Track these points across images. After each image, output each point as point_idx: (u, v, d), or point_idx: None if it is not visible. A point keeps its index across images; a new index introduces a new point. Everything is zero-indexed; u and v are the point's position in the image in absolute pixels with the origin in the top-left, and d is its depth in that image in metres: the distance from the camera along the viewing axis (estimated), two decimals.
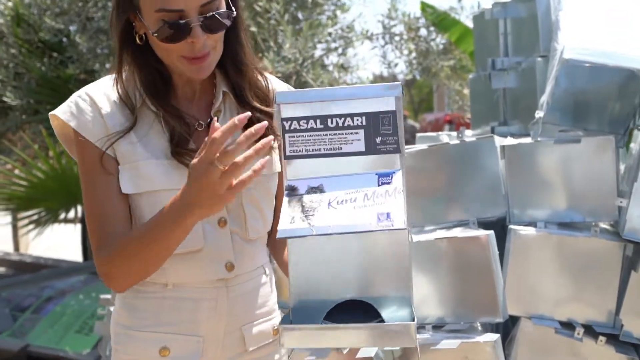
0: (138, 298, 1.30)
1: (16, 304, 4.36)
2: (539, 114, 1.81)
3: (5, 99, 4.03)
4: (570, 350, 1.71)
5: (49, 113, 1.29)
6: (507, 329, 1.91)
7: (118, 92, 1.28)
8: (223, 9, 1.24)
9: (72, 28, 4.25)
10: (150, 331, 1.30)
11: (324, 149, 1.08)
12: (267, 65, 3.45)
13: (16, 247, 6.28)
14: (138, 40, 1.25)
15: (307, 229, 1.00)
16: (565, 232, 1.71)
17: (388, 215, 0.98)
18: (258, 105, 1.31)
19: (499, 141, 1.86)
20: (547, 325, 1.71)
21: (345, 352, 1.59)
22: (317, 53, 4.27)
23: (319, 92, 1.09)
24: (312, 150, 1.08)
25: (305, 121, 1.08)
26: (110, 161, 1.25)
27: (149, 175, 1.24)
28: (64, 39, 4.25)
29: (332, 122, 1.07)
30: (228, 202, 1.12)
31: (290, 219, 1.01)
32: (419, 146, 1.96)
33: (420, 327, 1.77)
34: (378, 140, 1.06)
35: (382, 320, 1.06)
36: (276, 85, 1.39)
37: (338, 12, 4.24)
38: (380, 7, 4.29)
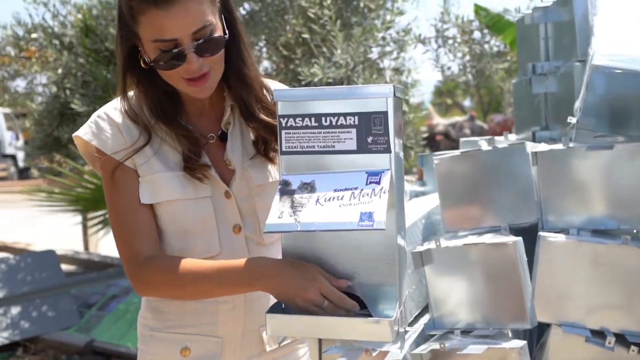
0: (162, 301, 1.39)
1: (83, 301, 4.59)
2: (572, 120, 1.79)
3: (73, 106, 4.25)
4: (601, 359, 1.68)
5: (72, 135, 1.39)
6: (542, 335, 1.90)
7: (129, 112, 1.37)
8: (217, 33, 1.30)
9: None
10: (172, 332, 1.38)
11: (317, 146, 1.13)
12: (317, 71, 3.51)
13: (86, 246, 6.58)
14: (143, 64, 1.33)
15: (292, 225, 1.06)
16: (596, 239, 1.69)
17: (370, 215, 1.03)
18: (264, 117, 1.37)
19: (531, 147, 1.85)
20: (578, 334, 1.69)
21: (375, 354, 1.63)
22: (373, 57, 4.30)
23: (314, 91, 1.15)
24: (307, 147, 1.14)
25: (300, 119, 1.14)
26: (131, 173, 1.34)
27: (165, 186, 1.33)
28: None
29: (326, 121, 1.13)
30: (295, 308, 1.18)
31: (279, 214, 1.07)
32: (452, 152, 1.97)
33: (449, 332, 1.78)
34: (369, 139, 1.11)
35: (369, 314, 1.10)
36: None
37: (392, 17, 4.26)
38: (433, 11, 4.29)
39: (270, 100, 1.40)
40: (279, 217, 1.08)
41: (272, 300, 1.43)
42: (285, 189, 1.12)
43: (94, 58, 4.39)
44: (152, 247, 1.34)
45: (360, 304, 1.13)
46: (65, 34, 4.51)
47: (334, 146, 1.13)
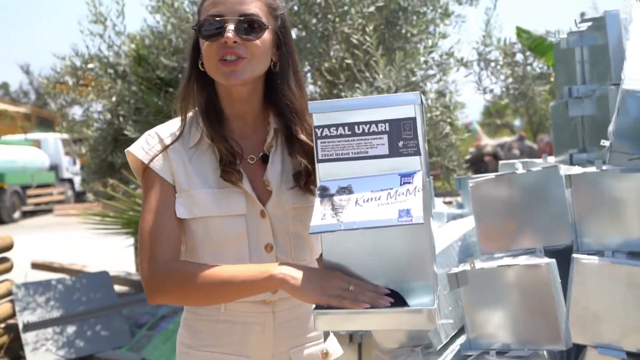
0: (197, 320, 1.46)
1: (134, 321, 4.72)
2: (605, 143, 1.82)
3: (126, 132, 4.42)
4: None
5: (125, 150, 1.50)
6: (577, 357, 1.91)
7: (181, 131, 1.47)
8: (264, 27, 1.42)
9: (185, 65, 4.61)
10: (206, 350, 1.45)
11: (352, 152, 1.21)
12: (360, 96, 3.59)
13: (137, 267, 6.76)
14: (200, 67, 1.44)
15: (336, 225, 1.13)
16: (630, 261, 1.70)
17: (408, 211, 1.10)
18: (305, 139, 1.45)
19: (565, 170, 1.87)
20: (614, 355, 1.70)
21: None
22: (416, 80, 4.35)
23: (347, 102, 1.22)
24: (342, 154, 1.22)
25: (335, 128, 1.22)
26: (169, 188, 1.43)
27: (201, 202, 1.41)
28: (179, 75, 4.60)
29: (358, 129, 1.20)
30: (319, 302, 1.22)
31: (321, 216, 1.15)
32: (487, 175, 2.01)
33: (485, 353, 1.81)
34: (400, 144, 1.18)
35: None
36: None
37: (434, 40, 4.31)
38: (475, 34, 4.33)
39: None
40: (322, 219, 1.15)
41: (305, 324, 1.49)
42: (324, 194, 1.20)
43: (146, 86, 4.56)
44: (172, 256, 1.40)
45: (398, 301, 1.18)
46: (120, 63, 4.71)
47: (367, 152, 1.21)
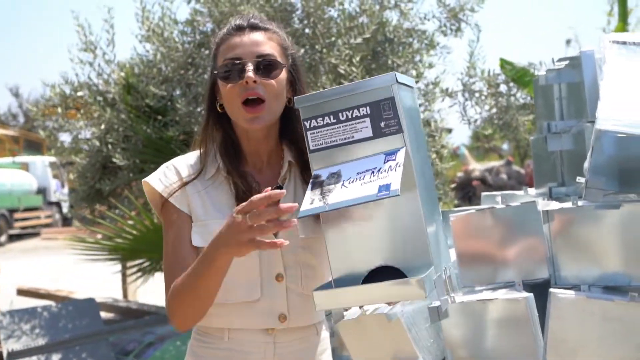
0: (201, 347, 1.53)
1: (121, 348, 4.71)
2: (580, 179, 1.87)
3: (114, 159, 4.45)
4: None
5: (142, 180, 1.56)
6: None
7: (200, 169, 1.53)
8: (279, 66, 1.48)
9: (174, 93, 4.66)
10: None
11: (339, 139, 1.26)
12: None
13: (124, 294, 6.74)
14: (219, 109, 1.50)
15: (321, 207, 1.18)
16: (605, 295, 1.74)
17: (387, 186, 1.14)
18: None
19: (542, 205, 1.92)
20: None
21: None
22: None
23: (329, 91, 1.28)
24: (330, 142, 1.26)
25: (321, 118, 1.26)
26: (186, 219, 1.49)
27: (216, 231, 1.46)
28: (168, 104, 4.65)
29: (342, 116, 1.25)
30: (248, 251, 1.30)
31: (310, 201, 1.20)
32: (467, 209, 2.06)
33: None
34: (382, 124, 1.23)
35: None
36: None
37: (419, 71, 4.38)
38: (460, 65, 4.42)
39: None
40: (310, 204, 1.20)
41: (303, 356, 1.53)
42: (316, 181, 1.25)
43: (135, 114, 4.61)
44: None
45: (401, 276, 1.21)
46: (109, 91, 4.76)
47: (353, 137, 1.25)
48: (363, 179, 1.19)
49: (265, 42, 1.49)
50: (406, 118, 1.23)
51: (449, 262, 1.38)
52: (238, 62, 1.46)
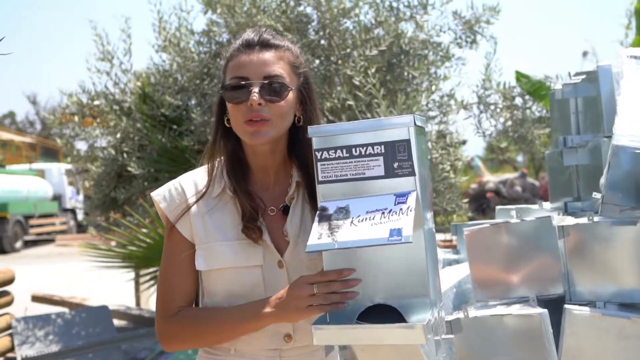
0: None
1: (133, 356, 4.72)
2: (597, 195, 1.86)
3: (130, 168, 4.48)
4: None
5: (151, 193, 1.56)
6: None
7: (206, 189, 1.53)
8: (287, 88, 1.46)
9: (190, 103, 4.69)
10: None
11: (350, 174, 1.25)
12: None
13: (137, 302, 6.76)
14: (227, 123, 1.49)
15: (330, 244, 1.17)
16: (620, 313, 1.73)
17: (399, 231, 1.13)
18: None
19: (558, 221, 1.91)
20: None
21: None
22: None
23: (345, 125, 1.27)
24: (340, 175, 1.26)
25: (333, 151, 1.26)
26: (185, 242, 1.49)
27: (220, 255, 1.46)
28: (183, 113, 4.67)
29: (356, 151, 1.25)
30: (303, 317, 1.34)
31: (318, 235, 1.19)
32: (482, 223, 2.05)
33: None
34: (395, 165, 1.22)
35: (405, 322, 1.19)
36: None
37: (434, 83, 4.37)
38: (475, 78, 4.40)
39: None
40: (318, 238, 1.19)
41: None
42: (323, 214, 1.24)
43: (151, 123, 4.63)
44: (181, 307, 1.48)
45: (396, 317, 1.21)
46: (125, 100, 4.79)
47: (364, 173, 1.24)
48: (373, 219, 1.18)
49: (275, 62, 1.46)
50: (418, 160, 1.23)
51: (441, 302, 1.37)
52: (244, 82, 1.44)
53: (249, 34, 1.51)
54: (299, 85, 1.51)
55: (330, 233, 1.19)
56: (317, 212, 1.24)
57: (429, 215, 1.32)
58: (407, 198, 1.19)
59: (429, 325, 1.17)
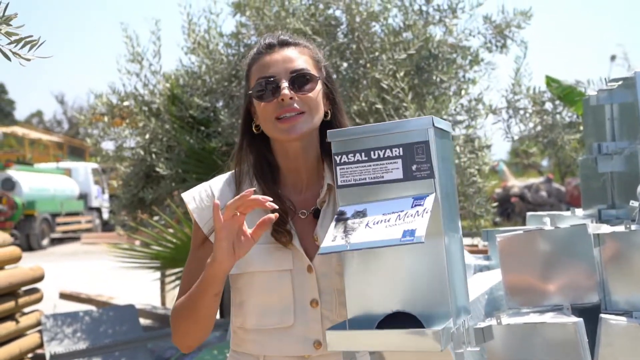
0: None
1: (159, 355, 4.76)
2: (634, 203, 1.83)
3: (158, 169, 4.52)
4: None
5: (181, 194, 1.57)
6: None
7: (235, 186, 1.53)
8: (314, 80, 1.47)
9: (217, 105, 4.72)
10: None
11: (368, 178, 1.24)
12: None
13: (163, 301, 6.81)
14: (254, 130, 1.50)
15: (343, 246, 1.15)
16: None
17: (412, 232, 1.11)
18: None
19: (593, 228, 1.88)
20: None
21: None
22: None
23: (362, 129, 1.25)
24: (359, 179, 1.24)
25: (352, 155, 1.25)
26: (209, 247, 1.48)
27: (249, 258, 1.45)
28: (211, 115, 4.71)
29: (374, 154, 1.23)
30: (233, 259, 1.33)
31: (332, 238, 1.17)
32: (515, 229, 2.03)
33: None
34: (414, 167, 1.20)
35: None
36: None
37: (462, 87, 4.36)
38: (504, 82, 4.34)
39: None
40: (332, 241, 1.18)
41: None
42: (340, 218, 1.22)
43: (179, 125, 4.67)
44: None
45: (413, 324, 1.20)
46: (154, 101, 4.84)
47: (383, 176, 1.23)
48: (388, 221, 1.16)
49: (298, 57, 1.48)
50: (439, 163, 1.21)
51: (469, 313, 1.34)
52: (272, 79, 1.45)
53: (267, 38, 1.53)
54: (323, 79, 1.52)
55: (345, 235, 1.17)
56: (335, 216, 1.23)
57: (456, 222, 1.31)
58: (424, 201, 1.17)
59: (446, 332, 1.15)
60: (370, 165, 1.23)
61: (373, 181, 1.23)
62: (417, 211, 1.15)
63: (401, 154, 1.21)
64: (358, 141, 1.25)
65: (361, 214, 1.21)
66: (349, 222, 1.20)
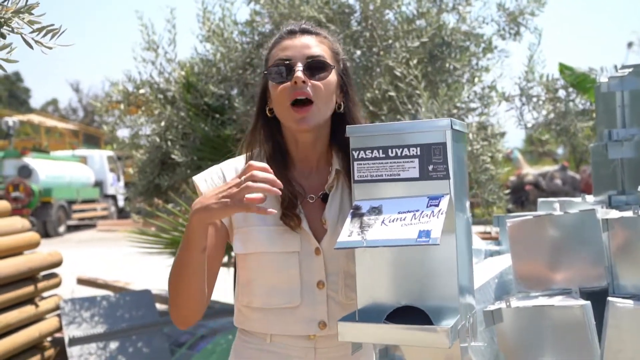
0: (245, 348, 1.55)
1: (174, 340, 4.84)
2: None
3: (173, 156, 4.57)
4: None
5: (192, 177, 1.61)
6: None
7: (246, 161, 1.57)
8: (329, 68, 1.51)
9: (232, 93, 4.76)
10: None
11: (385, 175, 1.27)
12: None
13: None
14: (268, 113, 1.54)
15: (359, 242, 1.19)
16: None
17: (428, 232, 1.14)
18: None
19: (602, 214, 1.91)
20: None
21: None
22: (458, 113, 4.40)
23: (381, 127, 1.29)
24: (376, 175, 1.27)
25: (370, 151, 1.28)
26: (220, 231, 1.52)
27: (255, 239, 1.49)
28: (226, 103, 4.75)
29: (392, 152, 1.26)
30: (228, 212, 1.33)
31: (349, 233, 1.21)
32: (525, 215, 2.06)
33: None
34: (430, 167, 1.23)
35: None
36: None
37: (475, 74, 4.36)
38: (518, 70, 4.35)
39: None
40: (348, 236, 1.21)
41: (345, 359, 1.55)
42: (356, 213, 1.25)
43: (194, 112, 4.72)
44: None
45: (426, 320, 1.23)
46: (169, 89, 4.89)
47: (399, 174, 1.26)
48: (404, 220, 1.19)
49: (316, 45, 1.52)
50: (454, 164, 1.23)
51: (474, 309, 1.38)
52: (288, 62, 1.48)
53: (290, 25, 1.57)
54: (339, 71, 1.55)
55: (361, 231, 1.20)
56: (351, 211, 1.25)
57: (467, 222, 1.33)
58: (439, 201, 1.20)
59: (454, 329, 1.18)
60: (387, 163, 1.26)
61: (389, 178, 1.26)
62: (432, 211, 1.18)
63: (418, 153, 1.23)
64: (377, 138, 1.27)
65: (377, 211, 1.23)
66: (365, 218, 1.22)
